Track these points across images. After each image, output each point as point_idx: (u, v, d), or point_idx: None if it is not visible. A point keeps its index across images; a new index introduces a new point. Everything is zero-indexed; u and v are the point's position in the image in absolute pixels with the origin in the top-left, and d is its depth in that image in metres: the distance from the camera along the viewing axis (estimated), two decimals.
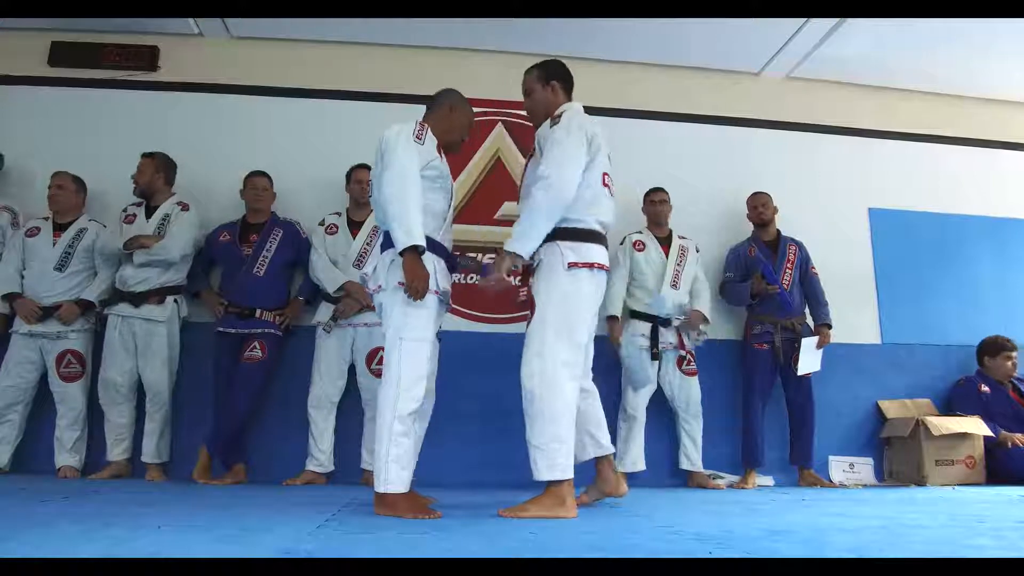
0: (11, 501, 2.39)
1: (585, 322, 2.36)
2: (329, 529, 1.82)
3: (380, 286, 2.34)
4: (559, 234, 2.34)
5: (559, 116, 2.43)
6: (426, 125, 2.42)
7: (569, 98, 2.58)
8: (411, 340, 2.25)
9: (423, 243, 2.23)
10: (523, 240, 2.28)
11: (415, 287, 2.21)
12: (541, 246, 2.34)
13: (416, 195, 2.25)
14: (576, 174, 2.33)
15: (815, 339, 3.90)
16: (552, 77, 2.56)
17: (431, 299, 2.30)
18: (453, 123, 2.53)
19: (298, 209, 3.98)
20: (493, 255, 2.34)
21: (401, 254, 2.23)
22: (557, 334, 2.29)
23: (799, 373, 3.85)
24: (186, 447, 3.62)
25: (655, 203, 4.00)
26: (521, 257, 2.29)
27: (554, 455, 2.22)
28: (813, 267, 4.09)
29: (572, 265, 2.32)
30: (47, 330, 3.53)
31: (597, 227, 2.41)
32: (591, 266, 2.35)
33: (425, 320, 2.28)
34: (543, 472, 2.23)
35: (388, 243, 2.33)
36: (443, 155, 2.45)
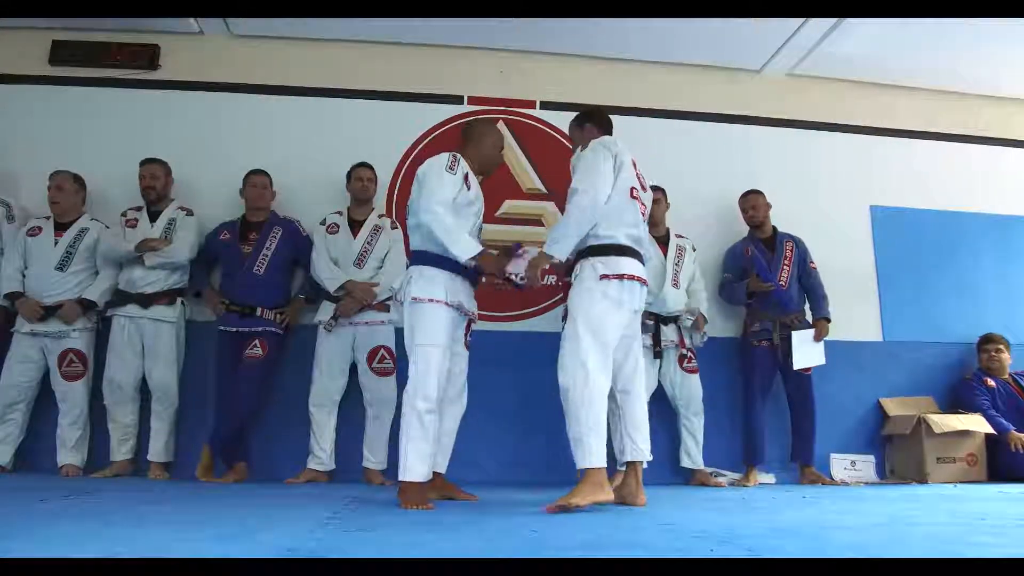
0: (12, 500, 2.39)
1: (614, 325, 2.55)
2: (331, 527, 1.82)
3: (401, 300, 2.64)
4: (591, 251, 2.58)
5: (590, 144, 2.69)
6: (459, 156, 2.68)
7: (603, 134, 2.80)
8: (421, 346, 2.50)
9: (480, 247, 2.53)
10: (557, 244, 2.54)
11: (495, 278, 2.65)
12: (577, 262, 2.60)
13: (451, 217, 2.53)
14: (603, 185, 2.57)
15: (809, 331, 3.88)
16: (585, 121, 2.86)
17: (440, 309, 2.52)
18: (484, 151, 2.80)
19: (298, 208, 3.97)
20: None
21: (473, 261, 2.51)
22: (587, 335, 2.49)
23: (795, 367, 3.84)
24: (188, 446, 3.63)
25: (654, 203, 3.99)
26: (553, 258, 2.53)
27: (589, 444, 2.40)
28: (812, 262, 4.08)
29: (604, 277, 2.54)
30: (49, 329, 3.53)
31: (627, 242, 2.61)
32: (621, 277, 2.55)
33: (433, 328, 2.51)
34: (580, 460, 2.41)
35: (414, 261, 2.63)
36: (473, 181, 2.69)
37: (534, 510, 2.34)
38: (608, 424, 2.52)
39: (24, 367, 3.53)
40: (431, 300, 2.52)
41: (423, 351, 2.49)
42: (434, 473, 2.64)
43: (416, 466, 2.43)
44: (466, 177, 2.65)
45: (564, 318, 2.75)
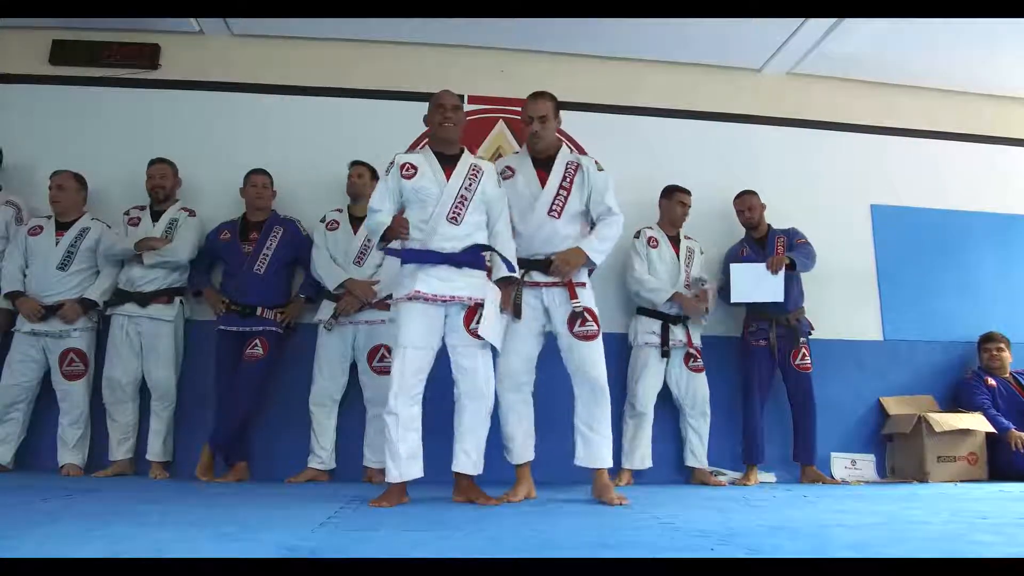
0: (13, 500, 2.39)
1: None
2: (331, 527, 1.83)
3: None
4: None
5: (599, 164, 2.90)
6: (396, 156, 2.74)
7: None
8: (396, 347, 2.58)
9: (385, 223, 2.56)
10: (599, 254, 2.78)
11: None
12: (588, 270, 2.82)
13: (382, 216, 2.61)
14: None
15: (756, 264, 3.80)
16: (558, 114, 2.90)
17: (403, 308, 2.59)
18: (431, 129, 2.79)
19: (299, 207, 3.97)
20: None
21: (384, 243, 2.63)
22: None
23: (731, 301, 3.85)
24: (189, 445, 3.62)
25: (682, 204, 3.97)
26: (594, 264, 2.78)
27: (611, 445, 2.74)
28: (800, 239, 3.99)
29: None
30: (50, 329, 3.53)
31: None
32: None
33: (399, 328, 2.58)
34: (608, 459, 2.69)
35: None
36: (427, 167, 2.69)
37: (534, 510, 2.34)
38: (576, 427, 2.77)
39: (25, 366, 3.52)
40: (395, 300, 2.64)
41: (395, 353, 2.58)
42: (455, 474, 2.62)
43: (389, 468, 2.50)
44: (404, 168, 2.67)
45: (571, 319, 2.75)
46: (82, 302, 3.58)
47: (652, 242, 3.93)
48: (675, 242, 3.96)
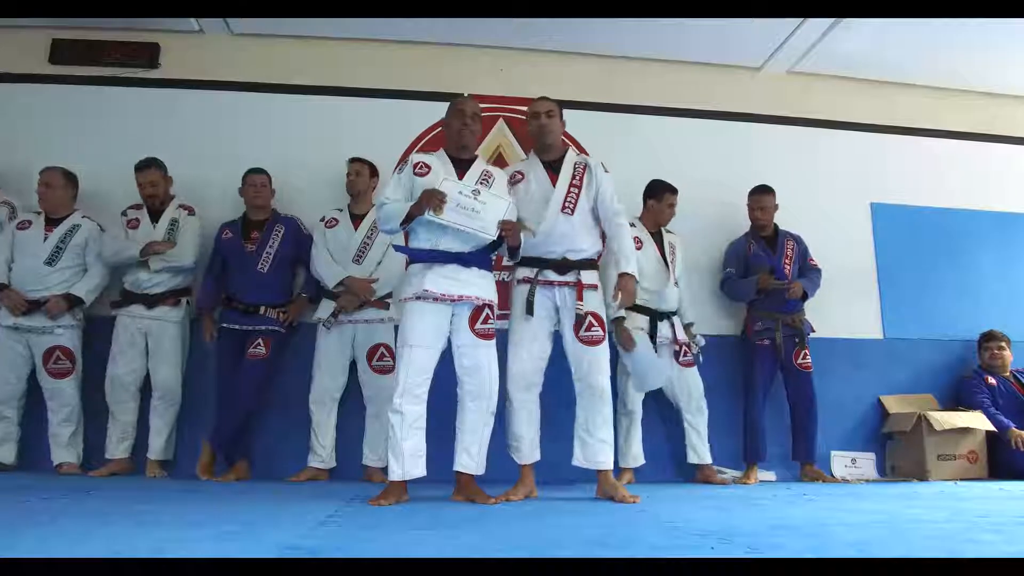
0: (13, 499, 2.39)
1: None
2: (331, 526, 1.83)
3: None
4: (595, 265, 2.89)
5: (604, 165, 2.95)
6: (408, 157, 2.80)
7: None
8: (402, 345, 2.58)
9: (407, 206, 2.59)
10: (634, 268, 2.80)
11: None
12: (587, 271, 2.82)
13: (383, 213, 2.67)
14: None
15: (654, 360, 3.39)
16: (562, 116, 2.98)
17: (410, 307, 2.60)
18: (447, 132, 2.87)
19: (300, 207, 3.97)
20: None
21: (407, 223, 2.63)
22: None
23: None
24: (189, 444, 3.63)
25: (671, 206, 3.93)
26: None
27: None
28: (812, 260, 4.08)
29: None
30: (33, 324, 3.51)
31: None
32: None
33: (404, 327, 2.60)
34: (608, 462, 2.71)
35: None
36: (439, 166, 2.73)
37: (535, 509, 2.34)
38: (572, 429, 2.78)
39: (11, 363, 3.50)
40: (402, 299, 2.65)
41: (399, 352, 2.60)
42: (456, 473, 2.63)
43: (390, 465, 2.52)
44: (417, 166, 2.72)
45: (576, 322, 2.75)
46: (67, 298, 3.55)
47: (636, 242, 3.87)
48: (657, 238, 3.91)
